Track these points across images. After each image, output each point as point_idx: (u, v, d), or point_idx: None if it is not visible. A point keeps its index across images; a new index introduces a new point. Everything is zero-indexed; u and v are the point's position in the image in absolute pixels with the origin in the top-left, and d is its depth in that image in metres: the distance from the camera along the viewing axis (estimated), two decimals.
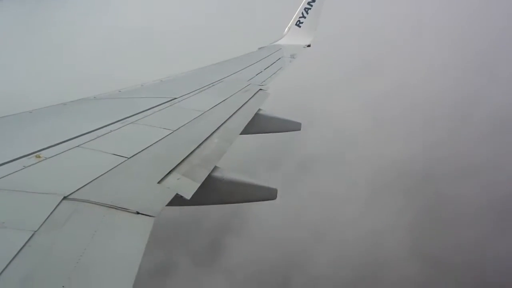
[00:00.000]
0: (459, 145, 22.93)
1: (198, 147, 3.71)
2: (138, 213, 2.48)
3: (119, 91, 5.38)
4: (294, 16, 12.30)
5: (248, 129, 4.83)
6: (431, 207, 20.17)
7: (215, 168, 3.55)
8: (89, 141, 3.37)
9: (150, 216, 2.49)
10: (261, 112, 5.53)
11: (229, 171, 3.70)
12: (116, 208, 2.47)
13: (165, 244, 15.21)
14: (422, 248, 18.44)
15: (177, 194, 2.85)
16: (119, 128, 3.79)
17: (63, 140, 3.29)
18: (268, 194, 3.91)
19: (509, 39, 27.46)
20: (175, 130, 3.96)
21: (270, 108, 5.74)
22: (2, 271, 1.79)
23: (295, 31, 12.14)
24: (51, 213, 2.26)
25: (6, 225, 2.13)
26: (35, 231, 2.09)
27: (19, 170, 2.70)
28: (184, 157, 3.43)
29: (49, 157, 2.96)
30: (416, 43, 28.29)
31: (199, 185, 3.11)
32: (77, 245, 2.10)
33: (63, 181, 2.69)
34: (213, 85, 6.26)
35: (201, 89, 5.86)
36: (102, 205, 2.47)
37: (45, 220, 2.19)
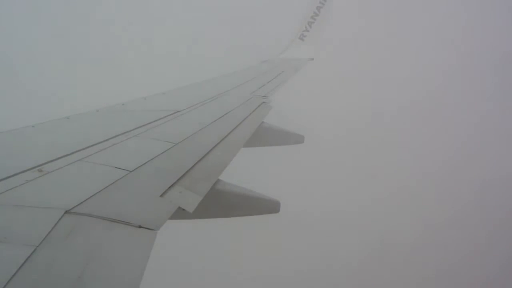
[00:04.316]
0: None
1: (200, 160, 3.71)
2: (140, 226, 2.47)
3: (122, 104, 5.40)
4: (298, 29, 12.39)
5: (251, 142, 4.84)
6: None
7: (218, 181, 3.55)
8: (91, 154, 3.37)
9: (152, 229, 2.48)
10: (264, 125, 5.55)
11: (232, 184, 3.69)
12: (118, 222, 2.46)
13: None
14: None
15: (179, 207, 2.85)
16: (122, 142, 3.79)
17: (66, 154, 3.29)
18: (271, 208, 3.91)
19: None
20: (178, 143, 3.97)
21: (273, 121, 5.76)
22: (4, 287, 1.77)
23: (298, 45, 12.23)
24: (53, 228, 2.24)
25: (7, 240, 2.11)
26: (37, 246, 2.07)
27: (21, 185, 2.69)
28: (187, 170, 3.43)
29: (51, 171, 2.95)
30: (427, 55, 28.29)
31: (201, 198, 3.10)
32: (79, 260, 2.09)
33: (65, 195, 2.68)
34: (216, 98, 6.29)
35: (204, 102, 5.88)
36: (104, 219, 2.46)
37: (47, 235, 2.17)
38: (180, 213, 2.84)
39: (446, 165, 22.92)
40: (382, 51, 28.15)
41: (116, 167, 3.18)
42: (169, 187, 3.06)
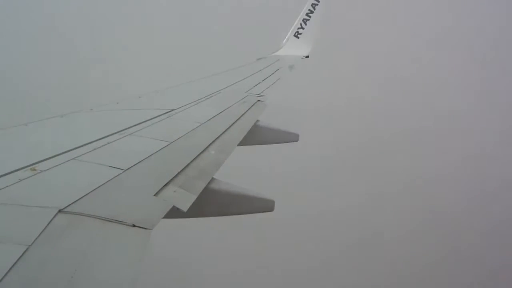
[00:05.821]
0: None
1: (195, 159, 3.70)
2: (134, 225, 2.46)
3: (117, 103, 5.37)
4: (293, 27, 12.38)
5: (246, 141, 4.83)
6: None
7: (212, 180, 3.54)
8: (85, 153, 3.35)
9: (146, 228, 2.47)
10: (259, 123, 5.54)
11: (226, 183, 3.69)
12: (112, 221, 2.45)
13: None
14: None
15: (173, 206, 2.84)
16: (115, 140, 3.77)
17: (59, 152, 3.27)
18: (266, 206, 3.90)
19: None
20: (172, 142, 3.95)
21: (268, 119, 5.76)
22: None
23: (293, 42, 12.21)
24: (46, 227, 2.23)
25: (0, 239, 2.10)
26: (30, 245, 2.06)
27: (14, 183, 2.67)
28: (181, 169, 3.42)
29: (44, 170, 2.94)
30: (419, 47, 28.31)
31: (195, 197, 3.09)
32: (73, 259, 2.08)
33: (59, 194, 2.67)
34: (211, 97, 6.26)
35: (198, 101, 5.86)
36: (98, 218, 2.44)
37: (40, 234, 2.16)
38: (174, 212, 2.83)
39: (444, 161, 23.01)
40: (377, 49, 28.21)
41: (110, 166, 3.17)
42: (163, 186, 3.05)
